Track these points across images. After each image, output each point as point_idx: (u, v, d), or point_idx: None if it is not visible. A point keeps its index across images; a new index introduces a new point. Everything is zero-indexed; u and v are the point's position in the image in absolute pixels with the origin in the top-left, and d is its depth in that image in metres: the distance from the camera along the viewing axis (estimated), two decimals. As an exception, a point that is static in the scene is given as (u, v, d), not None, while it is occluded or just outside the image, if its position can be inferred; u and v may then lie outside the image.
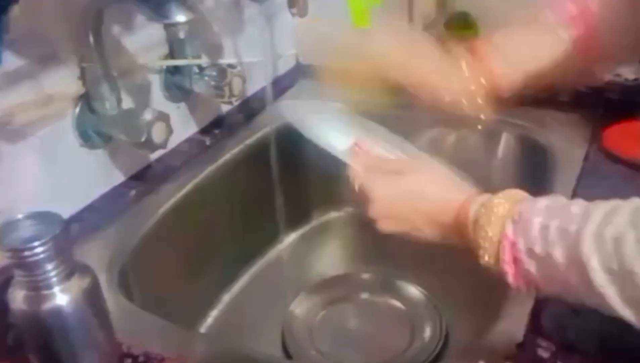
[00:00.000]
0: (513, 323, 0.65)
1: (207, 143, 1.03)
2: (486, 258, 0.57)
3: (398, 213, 0.65)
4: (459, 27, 1.23)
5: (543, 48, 0.81)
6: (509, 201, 0.57)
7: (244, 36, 1.10)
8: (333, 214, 1.17)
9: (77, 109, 0.84)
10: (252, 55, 1.00)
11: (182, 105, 1.02)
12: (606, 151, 0.93)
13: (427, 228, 0.64)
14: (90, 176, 0.87)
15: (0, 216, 0.71)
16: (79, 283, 0.58)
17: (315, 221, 1.15)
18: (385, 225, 0.66)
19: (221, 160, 1.00)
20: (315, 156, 1.13)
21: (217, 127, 1.06)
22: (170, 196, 0.91)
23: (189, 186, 0.94)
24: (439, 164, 0.69)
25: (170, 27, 0.74)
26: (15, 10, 0.71)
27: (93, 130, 0.86)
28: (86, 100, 0.84)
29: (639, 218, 0.48)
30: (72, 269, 0.57)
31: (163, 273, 0.89)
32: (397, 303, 0.99)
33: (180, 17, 0.72)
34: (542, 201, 0.56)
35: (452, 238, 0.62)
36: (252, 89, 1.08)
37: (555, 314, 0.66)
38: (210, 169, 0.98)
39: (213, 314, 0.99)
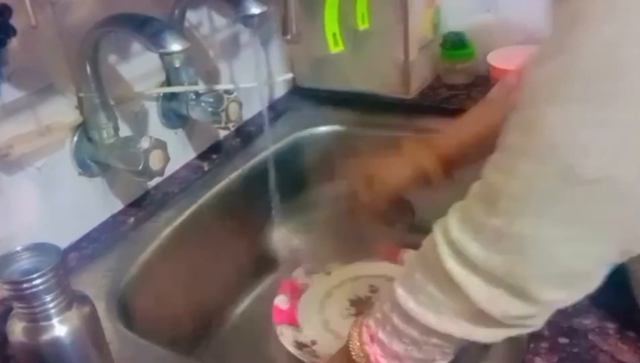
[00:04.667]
0: (511, 344, 0.65)
1: (205, 168, 1.03)
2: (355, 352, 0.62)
3: None
4: (455, 47, 1.23)
5: (486, 118, 0.81)
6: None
7: (239, 62, 1.11)
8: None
9: (75, 139, 0.85)
10: (248, 80, 1.01)
11: (180, 131, 1.02)
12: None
13: None
14: (88, 205, 0.88)
15: (0, 247, 0.72)
16: (77, 314, 0.58)
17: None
18: None
19: (219, 185, 1.01)
20: (312, 178, 1.14)
21: (215, 153, 1.07)
22: (168, 223, 0.92)
23: (187, 213, 0.94)
24: None
25: (166, 56, 0.75)
26: (12, 43, 0.72)
27: (91, 159, 0.86)
28: (84, 129, 0.85)
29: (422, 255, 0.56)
30: (70, 300, 0.57)
31: (162, 301, 0.89)
32: None
33: (176, 47, 0.73)
34: None
35: None
36: (248, 113, 1.09)
37: (553, 334, 0.66)
38: (208, 194, 0.98)
39: (213, 341, 0.98)
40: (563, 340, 0.65)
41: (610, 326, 0.66)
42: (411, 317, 0.55)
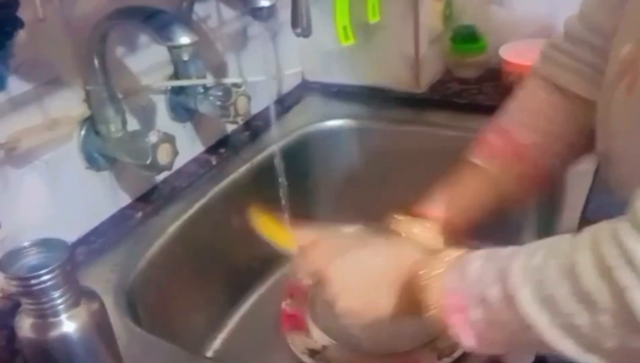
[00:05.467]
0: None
1: (213, 162, 1.02)
2: (431, 309, 0.56)
3: (355, 287, 0.64)
4: (466, 40, 1.22)
5: (478, 192, 0.77)
6: (451, 255, 0.58)
7: (248, 55, 1.10)
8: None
9: (83, 132, 0.84)
10: (257, 74, 1.00)
11: (188, 125, 1.01)
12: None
13: (382, 295, 0.62)
14: (96, 199, 0.87)
15: (7, 241, 0.72)
16: (85, 310, 0.57)
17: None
18: (344, 302, 0.64)
19: (227, 180, 1.00)
20: (321, 173, 1.14)
21: (223, 147, 1.06)
22: (176, 218, 0.91)
23: (195, 207, 0.94)
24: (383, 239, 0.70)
25: (174, 49, 0.74)
26: (20, 36, 0.71)
27: (99, 153, 0.85)
28: (91, 123, 0.84)
29: (558, 247, 0.49)
30: (78, 296, 0.57)
31: (170, 296, 0.88)
32: None
33: (184, 40, 0.73)
34: (479, 251, 0.57)
35: (404, 301, 0.61)
36: (257, 107, 1.08)
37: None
38: (216, 189, 0.98)
39: (221, 336, 0.98)
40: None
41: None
42: (532, 330, 0.48)
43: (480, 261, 0.55)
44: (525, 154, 0.74)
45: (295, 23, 0.79)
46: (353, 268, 0.66)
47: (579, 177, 0.91)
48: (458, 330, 0.54)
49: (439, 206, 0.76)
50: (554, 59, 0.75)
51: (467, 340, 0.54)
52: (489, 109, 1.09)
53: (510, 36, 1.20)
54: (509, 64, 1.14)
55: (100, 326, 0.59)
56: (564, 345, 0.48)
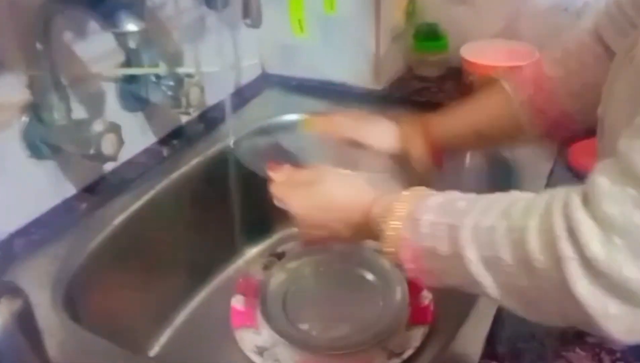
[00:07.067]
0: (469, 347, 0.64)
1: (165, 154, 1.00)
2: (389, 253, 0.60)
3: (316, 221, 0.70)
4: (428, 38, 1.21)
5: (488, 109, 0.81)
6: (407, 202, 0.60)
7: (205, 45, 1.07)
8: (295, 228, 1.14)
9: (25, 119, 0.81)
10: (213, 64, 0.98)
11: (139, 114, 0.99)
12: (571, 167, 0.93)
13: (343, 230, 0.68)
14: (38, 189, 0.84)
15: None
16: (8, 307, 0.55)
17: (276, 235, 1.12)
18: (309, 234, 0.72)
19: (178, 172, 0.97)
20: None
21: (176, 138, 1.03)
22: (122, 210, 0.88)
23: (143, 199, 0.91)
24: (345, 172, 0.74)
25: (120, 36, 0.72)
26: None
27: (41, 141, 0.82)
28: (35, 110, 0.81)
29: (511, 210, 0.51)
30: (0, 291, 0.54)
31: (113, 291, 0.85)
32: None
33: (131, 27, 0.71)
34: (436, 199, 0.59)
35: (366, 235, 0.66)
36: (213, 99, 1.06)
37: (511, 339, 0.64)
38: (166, 181, 0.95)
39: (167, 333, 0.95)
40: (521, 345, 0.64)
41: (570, 331, 0.65)
42: (480, 286, 0.51)
43: (433, 215, 0.56)
44: (542, 84, 0.76)
45: (245, 13, 0.78)
46: (309, 204, 0.70)
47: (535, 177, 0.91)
48: (413, 274, 0.59)
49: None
50: (612, 16, 0.74)
51: (423, 280, 0.60)
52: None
53: (471, 36, 1.20)
54: (469, 63, 1.14)
55: (24, 323, 0.56)
56: (508, 302, 0.51)
